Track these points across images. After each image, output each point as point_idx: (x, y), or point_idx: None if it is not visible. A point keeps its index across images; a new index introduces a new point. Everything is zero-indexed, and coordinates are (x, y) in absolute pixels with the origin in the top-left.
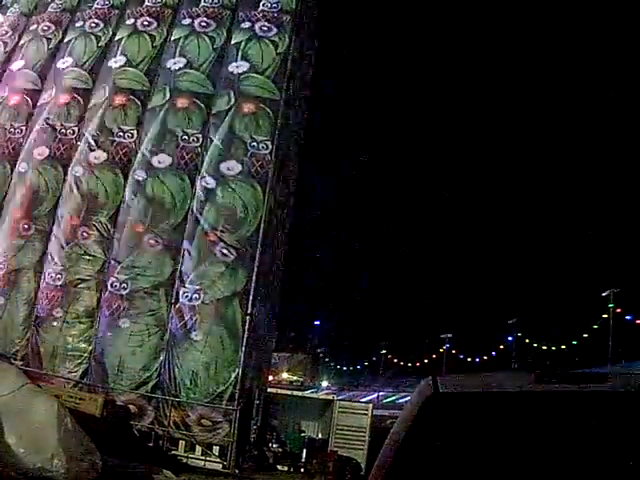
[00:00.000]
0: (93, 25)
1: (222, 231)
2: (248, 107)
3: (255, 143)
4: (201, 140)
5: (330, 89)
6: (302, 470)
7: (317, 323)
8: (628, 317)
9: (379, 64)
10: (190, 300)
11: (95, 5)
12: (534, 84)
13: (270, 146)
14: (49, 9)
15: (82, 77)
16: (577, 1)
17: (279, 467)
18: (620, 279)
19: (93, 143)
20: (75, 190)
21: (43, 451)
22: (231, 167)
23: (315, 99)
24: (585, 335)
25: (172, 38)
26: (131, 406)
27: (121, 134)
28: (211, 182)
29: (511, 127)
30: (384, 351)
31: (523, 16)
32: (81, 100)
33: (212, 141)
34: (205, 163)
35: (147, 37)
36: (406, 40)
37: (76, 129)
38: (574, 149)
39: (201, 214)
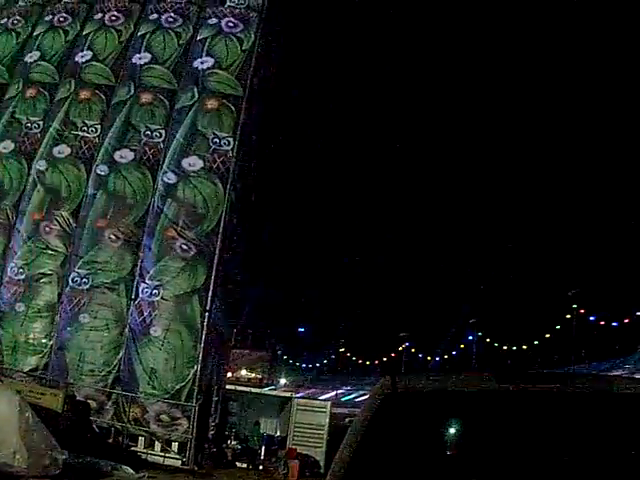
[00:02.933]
0: (62, 19)
1: (182, 227)
2: (211, 103)
3: (217, 139)
4: (164, 135)
5: (295, 87)
6: (261, 467)
7: (276, 320)
8: (591, 318)
9: (346, 61)
10: (150, 296)
11: None
12: (504, 82)
13: (232, 142)
14: (20, 2)
15: (49, 71)
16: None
17: (238, 464)
18: (583, 280)
19: (57, 137)
20: (38, 184)
21: (5, 446)
22: (193, 163)
23: (279, 96)
24: (547, 335)
25: (139, 33)
26: (91, 401)
27: (85, 128)
28: (172, 178)
29: (479, 126)
30: (342, 349)
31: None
32: (47, 94)
33: (174, 137)
34: (167, 158)
35: (114, 32)
36: (374, 40)
37: (41, 123)
38: (544, 152)
39: (162, 210)
